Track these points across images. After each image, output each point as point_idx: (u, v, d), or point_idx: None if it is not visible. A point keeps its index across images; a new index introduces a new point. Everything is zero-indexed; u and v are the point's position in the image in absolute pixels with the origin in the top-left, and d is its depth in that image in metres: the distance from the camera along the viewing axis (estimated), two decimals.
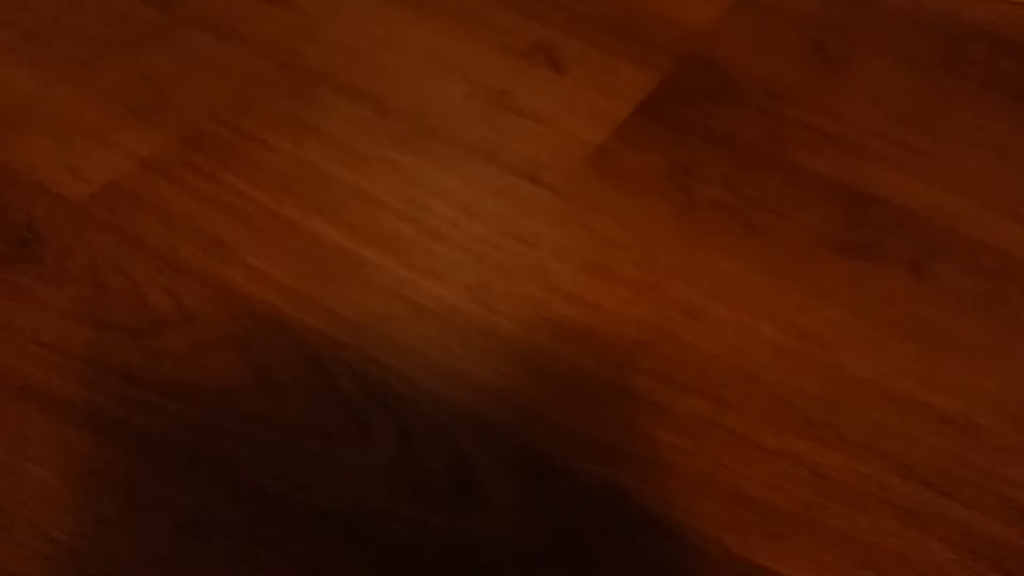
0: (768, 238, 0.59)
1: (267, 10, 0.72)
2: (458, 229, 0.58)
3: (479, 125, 0.65)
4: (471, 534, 0.45)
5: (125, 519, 0.45)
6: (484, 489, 0.47)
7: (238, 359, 0.51)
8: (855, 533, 0.46)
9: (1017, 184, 0.63)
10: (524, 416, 0.50)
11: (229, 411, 0.49)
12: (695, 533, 0.46)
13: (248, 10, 0.72)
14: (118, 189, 0.59)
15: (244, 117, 0.64)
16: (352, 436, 0.49)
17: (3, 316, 0.53)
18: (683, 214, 0.60)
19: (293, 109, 0.65)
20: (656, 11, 0.74)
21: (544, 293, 0.55)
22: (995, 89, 0.70)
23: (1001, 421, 0.51)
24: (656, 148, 0.64)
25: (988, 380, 0.53)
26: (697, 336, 0.54)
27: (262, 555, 0.44)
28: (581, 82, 0.68)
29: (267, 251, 0.57)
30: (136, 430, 0.48)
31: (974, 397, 0.52)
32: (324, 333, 0.53)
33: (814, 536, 0.46)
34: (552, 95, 0.67)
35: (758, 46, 0.72)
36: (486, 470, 0.48)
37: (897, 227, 0.60)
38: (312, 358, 0.52)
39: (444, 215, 0.59)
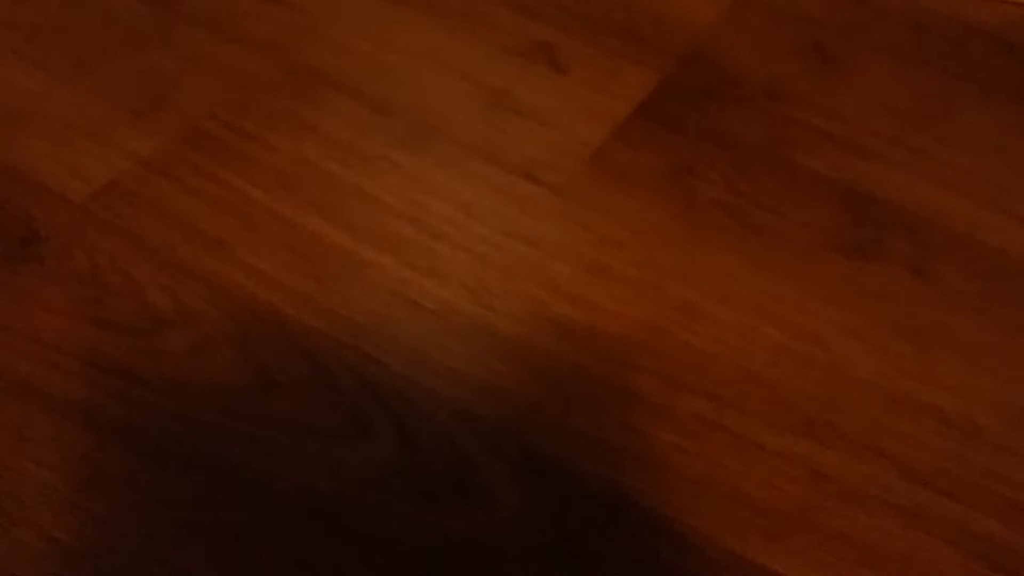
0: (768, 238, 0.59)
1: (267, 10, 0.72)
2: (458, 229, 0.58)
3: (479, 125, 0.65)
4: (471, 534, 0.45)
5: (125, 519, 0.45)
6: (484, 489, 0.47)
7: (238, 359, 0.51)
8: (855, 533, 0.46)
9: (1017, 184, 0.63)
10: (524, 416, 0.50)
11: (229, 411, 0.49)
12: (695, 533, 0.46)
13: (248, 10, 0.72)
14: (118, 189, 0.59)
15: (244, 117, 0.64)
16: (352, 436, 0.49)
17: (3, 316, 0.53)
18: (683, 214, 0.60)
19: (293, 109, 0.65)
20: (656, 11, 0.74)
21: (544, 293, 0.55)
22: (995, 89, 0.70)
23: (1001, 421, 0.51)
24: (656, 148, 0.64)
25: (988, 380, 0.53)
26: (697, 336, 0.54)
27: (262, 555, 0.44)
28: (581, 82, 0.68)
29: (267, 251, 0.57)
30: (136, 430, 0.48)
31: (974, 397, 0.52)
32: (324, 333, 0.53)
33: (814, 536, 0.46)
34: (552, 95, 0.67)
35: (758, 46, 0.72)
36: (486, 470, 0.48)
37: (897, 227, 0.60)
38: (312, 358, 0.52)
39: (444, 215, 0.59)
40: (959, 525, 0.47)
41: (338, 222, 0.58)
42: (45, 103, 0.65)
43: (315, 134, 0.63)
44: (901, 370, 0.53)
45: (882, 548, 0.46)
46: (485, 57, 0.70)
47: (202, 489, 0.46)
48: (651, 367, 0.52)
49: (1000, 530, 0.47)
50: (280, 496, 0.46)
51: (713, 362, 0.53)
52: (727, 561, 0.45)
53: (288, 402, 0.50)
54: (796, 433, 0.50)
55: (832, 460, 0.49)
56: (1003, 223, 0.61)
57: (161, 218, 0.58)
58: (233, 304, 0.54)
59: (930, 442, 0.50)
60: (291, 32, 0.71)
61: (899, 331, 0.55)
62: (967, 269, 0.58)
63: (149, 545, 0.44)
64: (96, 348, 0.51)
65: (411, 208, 0.59)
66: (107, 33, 0.70)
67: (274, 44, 0.70)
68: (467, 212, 0.59)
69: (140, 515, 0.45)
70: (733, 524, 0.46)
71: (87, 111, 0.64)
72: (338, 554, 0.45)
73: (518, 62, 0.70)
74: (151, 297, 0.54)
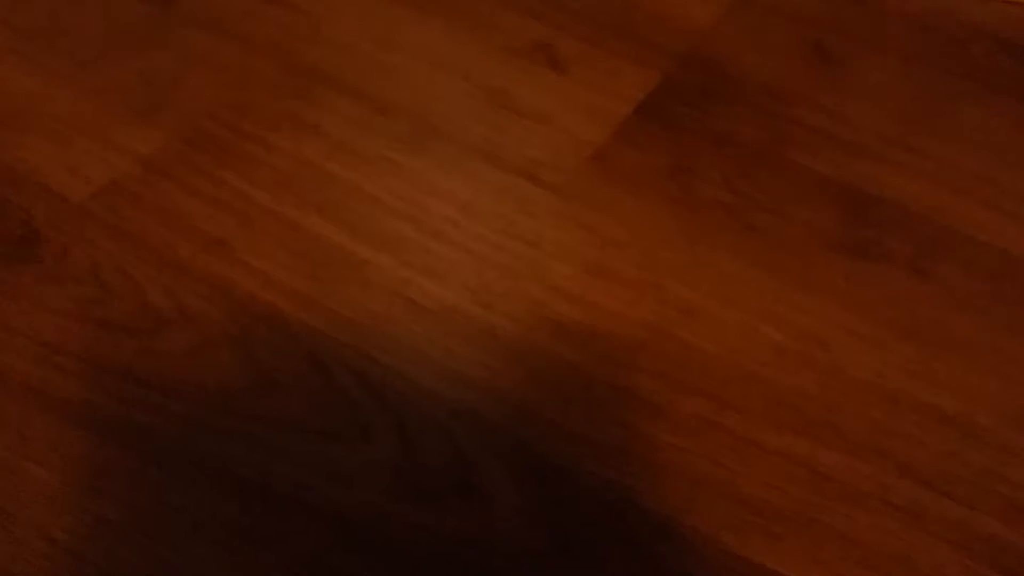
0: (768, 238, 0.59)
1: (267, 10, 0.72)
2: (458, 229, 0.58)
3: (479, 125, 0.65)
4: (471, 534, 0.45)
5: (125, 519, 0.45)
6: (484, 489, 0.47)
7: (238, 359, 0.51)
8: (855, 533, 0.46)
9: (1017, 184, 0.63)
10: (524, 416, 0.50)
11: (229, 411, 0.49)
12: (695, 533, 0.46)
13: (248, 10, 0.72)
14: (118, 189, 0.59)
15: (244, 117, 0.64)
16: (352, 436, 0.49)
17: (3, 316, 0.53)
18: (683, 214, 0.60)
19: (293, 109, 0.65)
20: (656, 11, 0.74)
21: (544, 293, 0.55)
22: (995, 89, 0.70)
23: (1001, 421, 0.51)
24: (656, 148, 0.64)
25: (988, 380, 0.53)
26: (697, 336, 0.54)
27: (262, 555, 0.44)
28: (581, 82, 0.68)
29: (267, 251, 0.57)
30: (136, 430, 0.48)
31: (974, 397, 0.52)
32: (324, 333, 0.53)
33: (814, 536, 0.46)
34: (552, 95, 0.67)
35: (758, 46, 0.72)
36: (486, 470, 0.48)
37: (897, 227, 0.60)
38: (312, 358, 0.52)
39: (444, 215, 0.59)
40: (959, 525, 0.47)
41: (338, 222, 0.58)
42: (45, 103, 0.65)
43: (315, 134, 0.63)
44: (901, 370, 0.53)
45: (882, 548, 0.46)
46: (485, 57, 0.70)
47: (202, 489, 0.46)
48: (651, 367, 0.52)
49: (1000, 530, 0.47)
50: (280, 496, 0.46)
51: (713, 362, 0.53)
52: (727, 561, 0.45)
53: (288, 402, 0.50)
54: (796, 433, 0.50)
55: (832, 460, 0.49)
56: (1003, 223, 0.61)
57: (161, 218, 0.58)
58: (233, 304, 0.54)
59: (930, 442, 0.50)
60: (291, 32, 0.71)
61: (899, 331, 0.55)
62: (967, 269, 0.58)
63: (149, 545, 0.44)
64: (96, 348, 0.51)
65: (411, 208, 0.59)
66: (107, 33, 0.70)
67: (274, 44, 0.70)
68: (467, 212, 0.59)
69: (140, 515, 0.45)
70: (733, 524, 0.46)
71: (87, 111, 0.64)
72: (338, 554, 0.45)
73: (518, 62, 0.70)
74: (151, 297, 0.54)
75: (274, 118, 0.64)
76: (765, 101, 0.68)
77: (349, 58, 0.69)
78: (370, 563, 0.44)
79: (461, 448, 0.48)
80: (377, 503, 0.46)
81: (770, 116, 0.67)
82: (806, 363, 0.53)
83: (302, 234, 0.58)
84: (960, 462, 0.49)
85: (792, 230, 0.60)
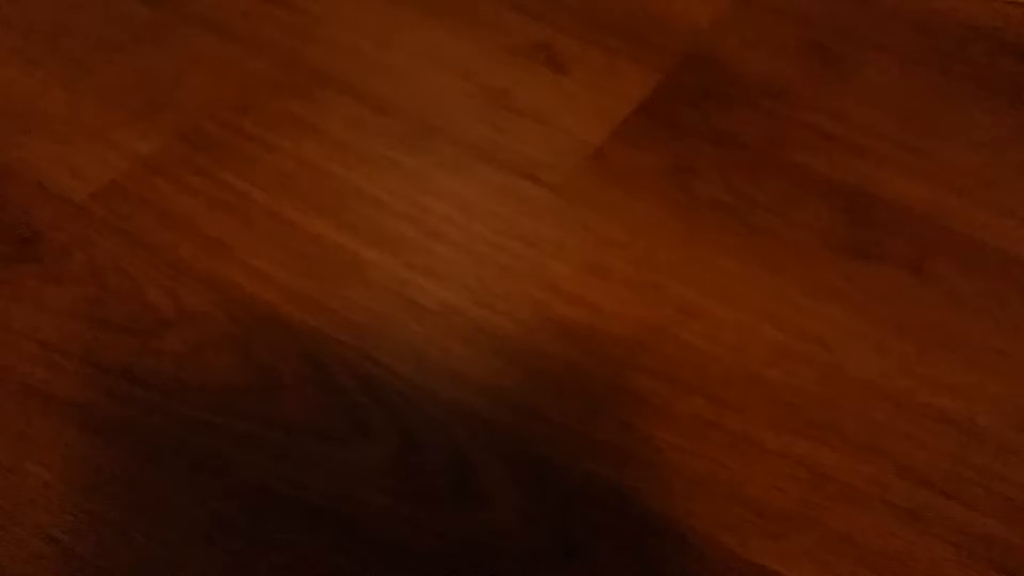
0: (768, 238, 0.59)
1: (267, 10, 0.72)
2: (458, 229, 0.58)
3: (479, 125, 0.65)
4: (471, 534, 0.45)
5: (125, 519, 0.45)
6: (484, 489, 0.47)
7: (238, 359, 0.51)
8: (855, 533, 0.46)
9: (1017, 184, 0.63)
10: (524, 416, 0.50)
11: (229, 411, 0.49)
12: (695, 533, 0.46)
13: (248, 10, 0.72)
14: (118, 189, 0.59)
15: (244, 117, 0.64)
16: (352, 436, 0.49)
17: (3, 316, 0.53)
18: (683, 214, 0.60)
19: (293, 109, 0.65)
20: (656, 11, 0.74)
21: (544, 293, 0.55)
22: (995, 89, 0.70)
23: (1001, 421, 0.51)
24: (656, 148, 0.64)
25: (988, 380, 0.53)
26: (697, 336, 0.54)
27: (262, 555, 0.44)
28: (581, 82, 0.68)
29: (267, 251, 0.57)
30: (136, 430, 0.48)
31: (974, 397, 0.52)
32: (324, 333, 0.53)
33: (814, 536, 0.46)
34: (552, 95, 0.67)
35: (758, 46, 0.72)
36: (486, 470, 0.48)
37: (897, 227, 0.60)
38: (312, 358, 0.52)
39: (444, 215, 0.59)
40: (959, 525, 0.47)
41: (338, 222, 0.58)
42: (44, 103, 0.65)
43: (315, 134, 0.63)
44: (901, 370, 0.53)
45: (882, 548, 0.46)
46: (485, 57, 0.70)
47: (202, 489, 0.46)
48: (651, 367, 0.52)
49: (1000, 530, 0.47)
50: (280, 496, 0.46)
51: (713, 362, 0.53)
52: (727, 561, 0.45)
53: (288, 402, 0.50)
54: (796, 433, 0.50)
55: (832, 460, 0.49)
56: (1003, 223, 0.61)
57: (161, 218, 0.58)
58: (233, 304, 0.54)
59: (930, 442, 0.50)
60: (291, 32, 0.71)
61: (899, 331, 0.55)
62: (967, 269, 0.58)
63: (148, 545, 0.44)
64: (96, 348, 0.51)
65: (411, 208, 0.59)
66: (107, 33, 0.70)
67: (274, 44, 0.70)
68: (467, 212, 0.59)
69: (140, 515, 0.45)
70: (733, 524, 0.46)
71: (87, 111, 0.64)
72: (338, 554, 0.45)
73: (518, 62, 0.70)
74: (151, 297, 0.54)
75: (274, 118, 0.64)
76: (765, 101, 0.68)
77: (349, 58, 0.69)
78: (370, 563, 0.44)
79: (461, 448, 0.48)
80: (377, 503, 0.46)
81: (770, 116, 0.67)
82: (806, 363, 0.53)
83: (302, 234, 0.58)
84: (960, 462, 0.49)
85: (792, 230, 0.60)
